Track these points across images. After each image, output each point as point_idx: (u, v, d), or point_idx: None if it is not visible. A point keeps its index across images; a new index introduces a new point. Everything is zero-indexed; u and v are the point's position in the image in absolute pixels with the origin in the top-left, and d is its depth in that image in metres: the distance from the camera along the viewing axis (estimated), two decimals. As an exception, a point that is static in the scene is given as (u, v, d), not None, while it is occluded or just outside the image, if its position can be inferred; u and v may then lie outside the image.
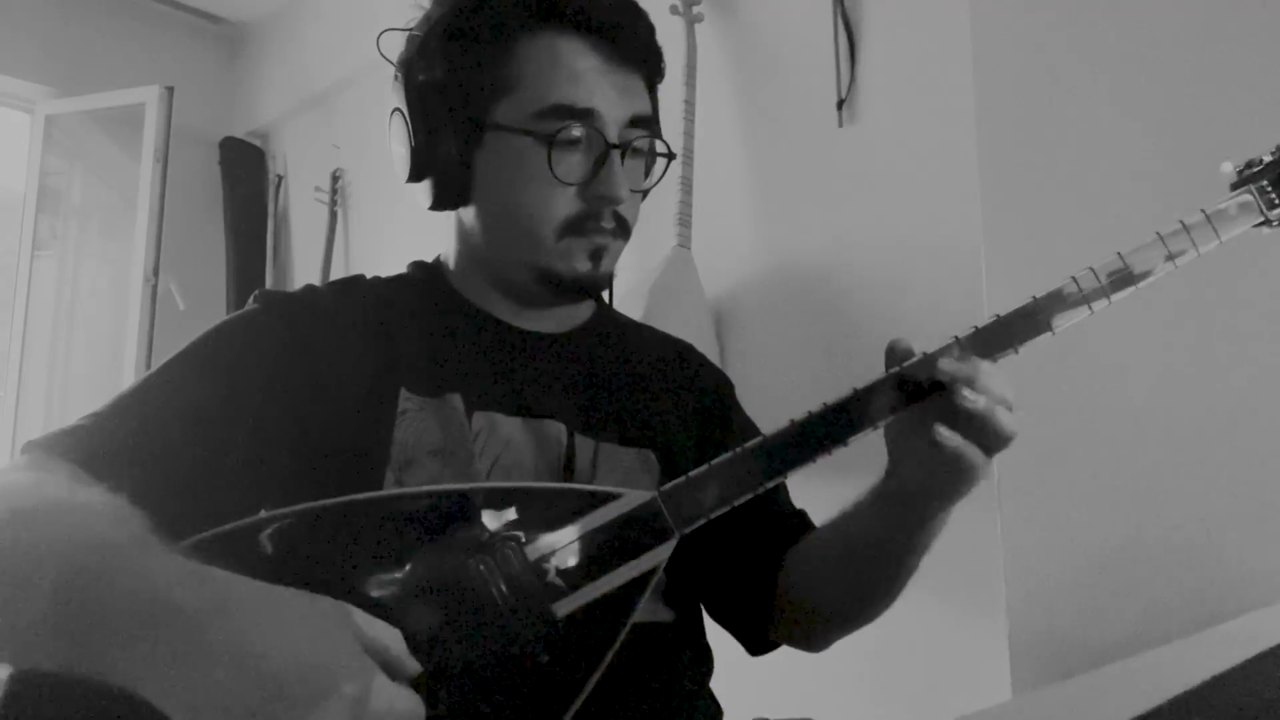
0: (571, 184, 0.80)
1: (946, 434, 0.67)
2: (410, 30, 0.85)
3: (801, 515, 0.94)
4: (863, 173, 1.63)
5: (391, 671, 0.56)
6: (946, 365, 0.67)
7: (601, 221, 0.81)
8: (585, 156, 0.80)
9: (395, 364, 0.81)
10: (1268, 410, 1.05)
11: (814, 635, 0.91)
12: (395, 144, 0.85)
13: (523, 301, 0.87)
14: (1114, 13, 1.21)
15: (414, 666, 0.58)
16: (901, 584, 0.82)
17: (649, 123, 0.84)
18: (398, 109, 0.84)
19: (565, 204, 0.80)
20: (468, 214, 0.86)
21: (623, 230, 0.84)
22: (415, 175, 0.83)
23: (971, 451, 0.67)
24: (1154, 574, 1.09)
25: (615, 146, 0.80)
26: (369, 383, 0.79)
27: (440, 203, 0.85)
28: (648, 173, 0.89)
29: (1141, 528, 1.12)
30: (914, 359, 0.70)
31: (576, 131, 0.79)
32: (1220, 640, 0.75)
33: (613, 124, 0.80)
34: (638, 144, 0.83)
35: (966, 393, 0.66)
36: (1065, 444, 1.19)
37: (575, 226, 0.81)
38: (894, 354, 0.71)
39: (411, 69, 0.83)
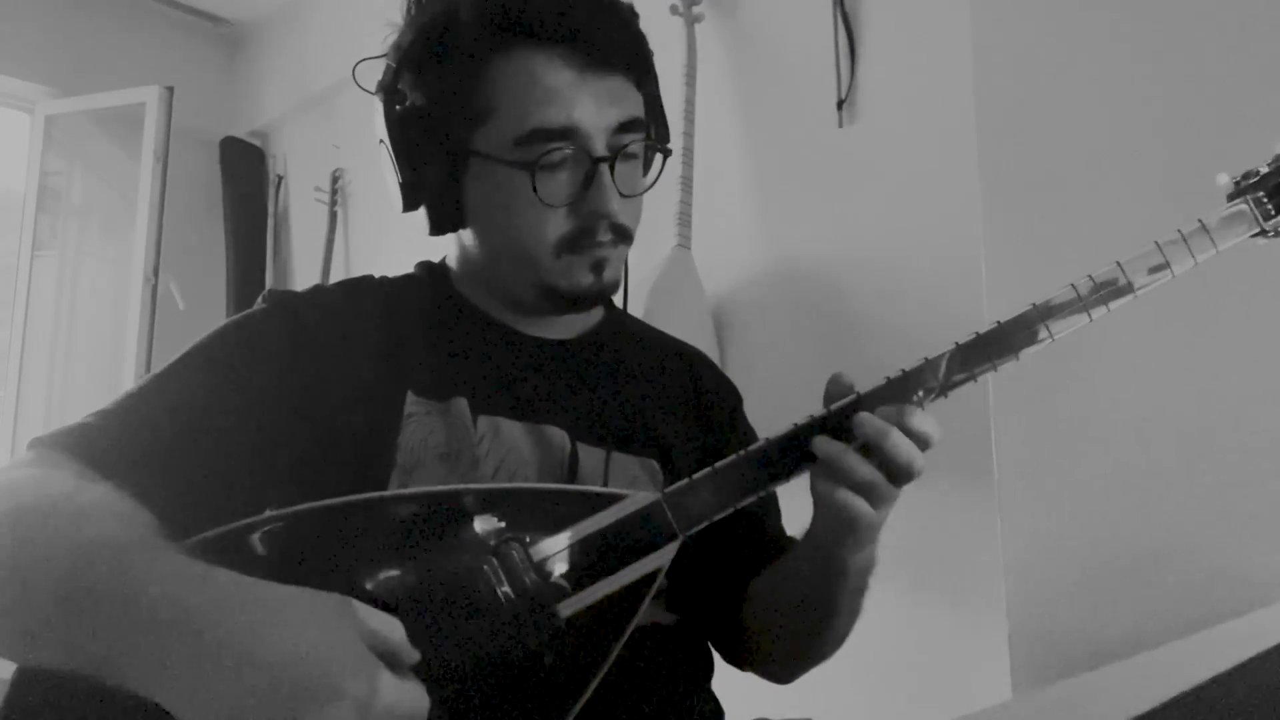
0: (561, 205, 0.78)
1: (824, 488, 0.69)
2: (384, 55, 0.83)
3: (778, 540, 0.92)
4: (863, 173, 1.63)
5: (393, 662, 0.56)
6: (820, 445, 0.69)
7: (598, 236, 0.79)
8: (572, 175, 0.78)
9: (403, 367, 0.80)
10: (1266, 411, 1.06)
11: (773, 667, 0.91)
12: (386, 174, 0.84)
13: (527, 311, 0.87)
14: (1114, 14, 1.21)
15: (414, 655, 0.58)
16: (839, 626, 0.81)
17: (638, 124, 0.81)
18: (382, 140, 0.82)
19: (558, 224, 0.79)
20: (466, 235, 0.86)
21: (623, 237, 0.82)
22: (408, 206, 0.83)
23: (854, 503, 0.68)
24: (1154, 574, 1.09)
25: (602, 159, 0.78)
26: (376, 385, 0.79)
27: (438, 229, 0.84)
28: (646, 171, 0.87)
29: (1141, 528, 1.12)
30: (842, 402, 0.70)
31: (559, 154, 0.76)
32: (1220, 640, 0.75)
33: (597, 135, 0.77)
34: (630, 149, 0.81)
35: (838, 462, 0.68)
36: (1065, 445, 1.19)
37: (572, 244, 0.79)
38: (830, 393, 0.71)
39: (389, 97, 0.81)
